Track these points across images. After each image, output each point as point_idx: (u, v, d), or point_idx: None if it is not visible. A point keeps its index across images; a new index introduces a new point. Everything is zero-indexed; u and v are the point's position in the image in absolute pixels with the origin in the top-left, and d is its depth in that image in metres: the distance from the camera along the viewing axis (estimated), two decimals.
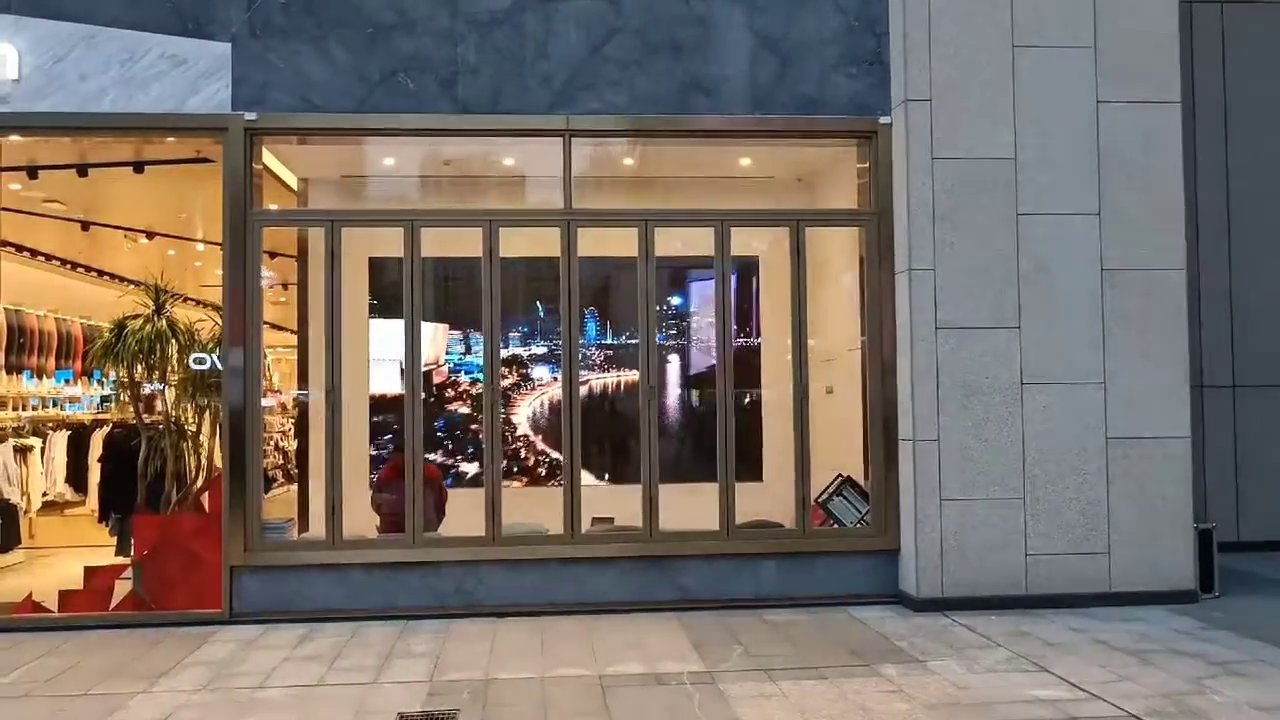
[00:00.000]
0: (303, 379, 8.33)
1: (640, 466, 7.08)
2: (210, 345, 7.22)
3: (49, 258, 11.10)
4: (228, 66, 6.83)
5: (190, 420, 7.37)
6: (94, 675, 5.62)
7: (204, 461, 7.40)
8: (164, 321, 7.15)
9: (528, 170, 8.09)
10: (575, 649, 5.99)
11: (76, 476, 9.89)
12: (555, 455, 7.47)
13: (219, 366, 7.13)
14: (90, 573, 6.95)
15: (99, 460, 8.90)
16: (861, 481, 7.33)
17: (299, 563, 6.82)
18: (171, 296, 7.42)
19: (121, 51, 6.77)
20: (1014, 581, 6.83)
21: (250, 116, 6.81)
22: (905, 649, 5.88)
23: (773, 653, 5.84)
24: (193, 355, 7.22)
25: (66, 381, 10.85)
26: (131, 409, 7.52)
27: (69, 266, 11.60)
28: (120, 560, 7.87)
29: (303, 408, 8.33)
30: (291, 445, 10.32)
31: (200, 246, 11.17)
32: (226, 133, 6.80)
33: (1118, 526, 6.90)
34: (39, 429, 9.74)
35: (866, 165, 7.26)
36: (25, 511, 9.11)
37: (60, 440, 9.80)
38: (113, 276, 12.53)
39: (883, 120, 7.13)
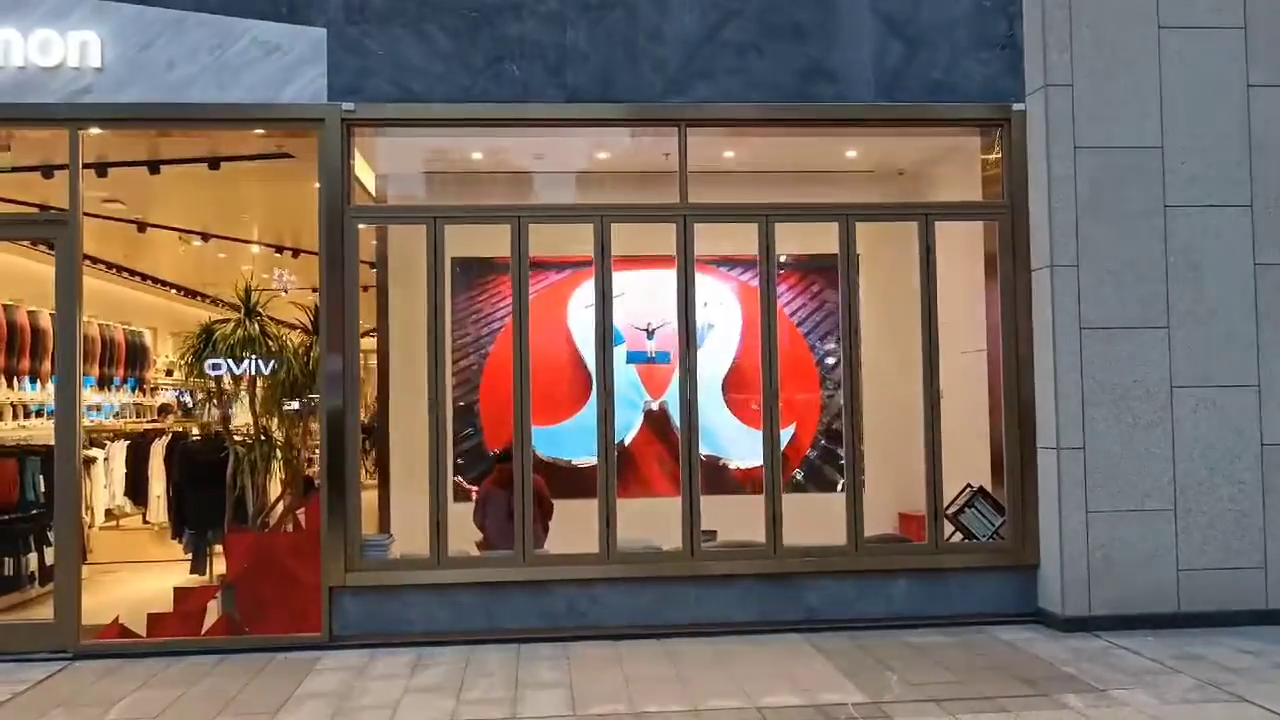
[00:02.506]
0: (383, 384, 7.91)
1: (763, 477, 6.65)
2: (301, 350, 6.78)
3: (94, 261, 10.64)
4: (323, 54, 6.39)
5: (278, 430, 6.92)
6: (202, 710, 5.18)
7: (292, 475, 6.95)
8: (255, 326, 6.68)
9: (634, 164, 7.62)
10: (716, 677, 5.54)
11: (135, 488, 9.47)
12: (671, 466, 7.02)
13: (235, 371, 6.67)
14: (181, 594, 6.50)
15: (173, 473, 8.45)
16: (990, 491, 6.89)
17: (402, 582, 6.37)
18: (260, 312, 6.90)
19: (211, 38, 6.33)
20: (1165, 598, 6.38)
21: (348, 107, 6.38)
22: (1076, 675, 5.43)
23: (933, 680, 5.39)
24: (209, 361, 6.73)
25: (90, 388, 10.41)
26: (219, 418, 7.05)
27: (115, 270, 11.15)
28: (198, 579, 7.46)
29: (384, 416, 7.89)
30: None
31: (255, 249, 10.75)
32: (323, 124, 6.36)
33: (1275, 538, 6.45)
34: (96, 439, 9.30)
35: (996, 155, 6.82)
36: (89, 526, 8.66)
37: (120, 451, 9.38)
38: (156, 281, 12.11)
39: (1016, 107, 6.69)
